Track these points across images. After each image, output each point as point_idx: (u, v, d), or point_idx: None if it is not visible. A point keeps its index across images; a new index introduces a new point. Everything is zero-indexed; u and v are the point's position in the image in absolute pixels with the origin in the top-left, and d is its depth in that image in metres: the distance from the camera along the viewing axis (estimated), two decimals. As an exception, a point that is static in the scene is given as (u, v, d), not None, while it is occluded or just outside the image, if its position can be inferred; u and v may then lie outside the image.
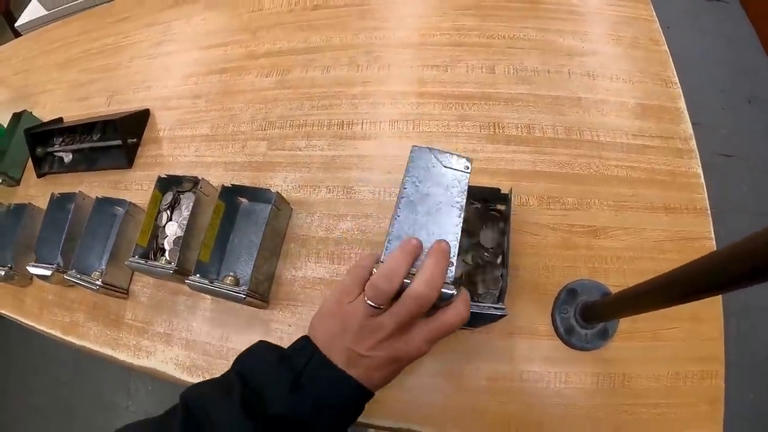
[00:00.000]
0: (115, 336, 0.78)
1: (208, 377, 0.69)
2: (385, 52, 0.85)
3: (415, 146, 0.50)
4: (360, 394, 0.43)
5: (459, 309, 0.43)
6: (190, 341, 0.73)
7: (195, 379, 0.70)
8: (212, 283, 0.66)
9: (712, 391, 0.61)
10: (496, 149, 0.73)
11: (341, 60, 0.85)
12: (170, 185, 0.77)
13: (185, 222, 0.72)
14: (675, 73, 0.78)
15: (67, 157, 0.97)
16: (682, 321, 0.63)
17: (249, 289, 0.64)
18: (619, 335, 0.62)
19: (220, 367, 0.70)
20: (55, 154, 0.97)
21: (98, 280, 0.75)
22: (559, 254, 0.66)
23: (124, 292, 0.80)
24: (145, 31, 1.06)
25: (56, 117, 1.01)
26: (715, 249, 0.67)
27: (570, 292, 0.64)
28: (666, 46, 0.80)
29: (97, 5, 1.21)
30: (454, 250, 0.45)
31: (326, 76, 0.85)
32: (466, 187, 0.48)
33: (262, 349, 0.47)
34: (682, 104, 0.75)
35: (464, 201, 0.47)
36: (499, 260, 0.62)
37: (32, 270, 0.83)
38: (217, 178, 0.80)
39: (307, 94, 0.84)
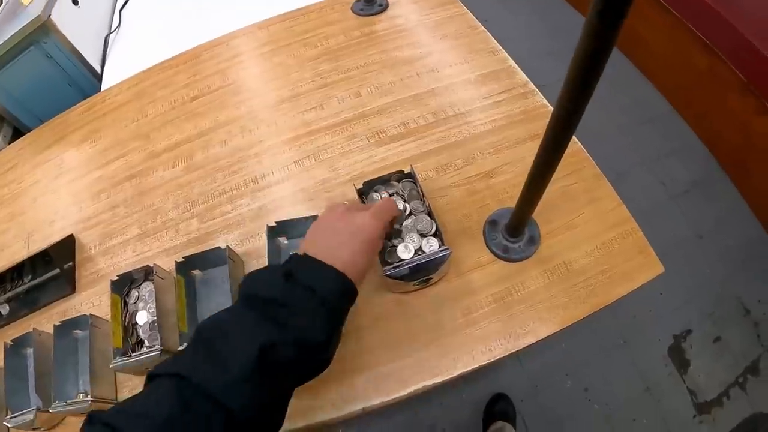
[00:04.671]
0: (121, 450, 0.79)
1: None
2: (267, 112, 0.99)
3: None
4: (341, 282, 0.52)
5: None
6: (196, 412, 0.78)
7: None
8: (201, 344, 0.74)
9: (637, 244, 0.79)
10: (388, 149, 0.90)
11: (233, 131, 0.99)
12: (124, 285, 0.83)
13: (152, 308, 0.79)
14: (497, 44, 1.02)
15: (4, 309, 0.97)
16: (585, 206, 0.82)
17: (235, 334, 0.72)
18: (544, 238, 0.80)
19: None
20: (-11, 312, 0.97)
21: (88, 397, 0.78)
22: (469, 201, 0.84)
23: (114, 402, 0.83)
24: (38, 171, 1.10)
25: (-24, 280, 1.01)
26: (583, 152, 0.88)
27: (491, 223, 0.81)
28: (483, 27, 1.05)
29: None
30: None
31: (226, 148, 0.97)
32: None
33: (260, 269, 0.57)
34: (511, 63, 0.99)
35: None
36: (426, 212, 0.76)
37: (11, 423, 0.81)
38: (164, 265, 0.87)
39: (216, 167, 0.95)
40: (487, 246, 0.80)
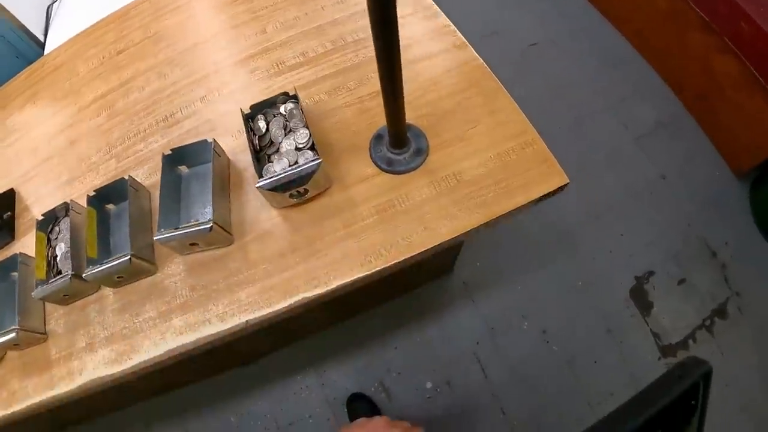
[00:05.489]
0: (49, 376, 0.83)
1: (134, 357, 0.78)
2: (181, 57, 1.04)
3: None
4: None
5: None
6: (109, 336, 0.82)
7: (123, 367, 0.78)
8: (103, 265, 0.78)
9: (538, 155, 0.78)
10: (285, 78, 0.94)
11: (151, 78, 1.03)
12: (49, 223, 0.88)
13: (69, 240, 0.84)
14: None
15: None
16: (481, 118, 0.82)
17: (132, 253, 0.77)
18: (433, 150, 0.81)
19: (140, 339, 0.79)
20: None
21: (16, 326, 0.82)
22: (359, 119, 0.86)
23: (43, 333, 0.87)
24: (-16, 137, 1.17)
25: None
26: (484, 68, 0.88)
27: (377, 138, 0.83)
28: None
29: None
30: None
31: (143, 93, 1.02)
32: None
33: None
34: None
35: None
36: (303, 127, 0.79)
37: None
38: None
39: (133, 111, 1.00)
40: (371, 159, 0.81)
